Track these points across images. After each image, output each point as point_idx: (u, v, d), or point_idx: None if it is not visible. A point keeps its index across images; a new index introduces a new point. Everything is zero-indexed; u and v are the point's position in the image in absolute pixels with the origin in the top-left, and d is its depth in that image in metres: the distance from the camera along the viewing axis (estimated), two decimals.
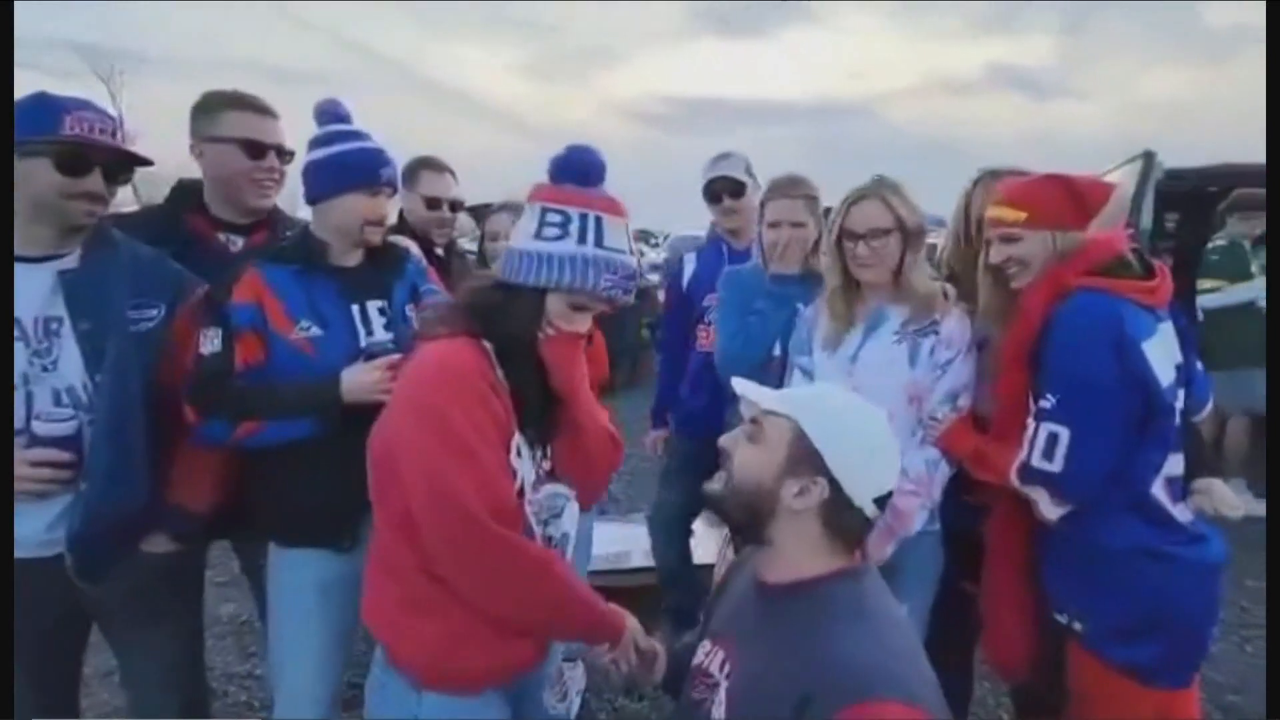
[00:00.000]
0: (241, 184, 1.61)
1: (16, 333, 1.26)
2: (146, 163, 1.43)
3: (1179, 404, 1.41)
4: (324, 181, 1.46)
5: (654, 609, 2.50)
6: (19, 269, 1.27)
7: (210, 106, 1.61)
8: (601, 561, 2.83)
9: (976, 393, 1.57)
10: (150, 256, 1.43)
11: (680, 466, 2.30)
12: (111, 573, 1.33)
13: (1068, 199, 1.41)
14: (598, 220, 1.08)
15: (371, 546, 1.14)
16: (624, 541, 3.08)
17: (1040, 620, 1.47)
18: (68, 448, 1.27)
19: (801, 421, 0.92)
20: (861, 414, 0.97)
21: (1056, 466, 1.33)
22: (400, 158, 2.26)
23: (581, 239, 1.08)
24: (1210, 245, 3.92)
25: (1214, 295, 3.74)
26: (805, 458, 0.91)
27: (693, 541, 2.50)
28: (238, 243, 1.64)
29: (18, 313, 1.26)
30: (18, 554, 1.26)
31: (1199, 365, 1.61)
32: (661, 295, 9.10)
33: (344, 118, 1.49)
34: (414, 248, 1.70)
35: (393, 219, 1.66)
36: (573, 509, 1.16)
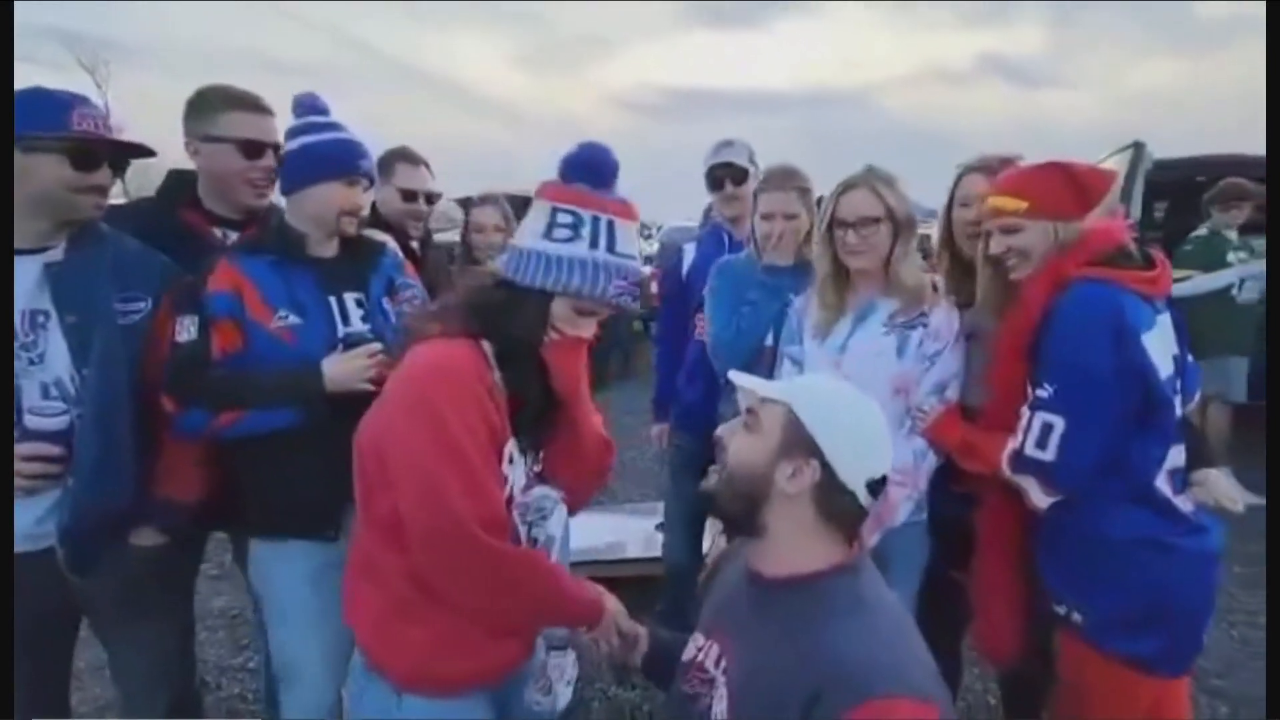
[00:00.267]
0: (238, 183, 1.59)
1: None
2: (150, 154, 1.44)
3: (1178, 395, 1.41)
4: (299, 171, 1.45)
5: (647, 600, 2.51)
6: None
7: (206, 105, 1.59)
8: (596, 552, 2.85)
9: (964, 384, 1.57)
10: (137, 249, 1.43)
11: (684, 463, 2.29)
12: (102, 565, 1.33)
13: (1069, 188, 1.39)
14: (610, 224, 1.06)
15: (352, 548, 1.12)
16: (619, 532, 3.10)
17: (1030, 608, 1.48)
18: (58, 442, 1.27)
19: (794, 405, 0.93)
20: (854, 400, 0.98)
21: (1050, 455, 1.32)
22: (389, 149, 2.24)
23: (594, 243, 1.05)
24: (1189, 236, 3.96)
25: (1184, 284, 3.77)
26: (798, 440, 0.91)
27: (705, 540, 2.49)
28: (233, 238, 1.62)
29: None
30: None
31: (1189, 356, 1.63)
32: (655, 287, 9.09)
33: (322, 110, 1.47)
34: (391, 241, 1.69)
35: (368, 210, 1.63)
36: (561, 512, 1.14)
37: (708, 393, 2.09)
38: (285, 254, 1.42)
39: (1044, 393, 1.33)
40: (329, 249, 1.50)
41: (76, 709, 2.14)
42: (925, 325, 1.55)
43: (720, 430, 1.02)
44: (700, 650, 1.00)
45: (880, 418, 0.97)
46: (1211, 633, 1.43)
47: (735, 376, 1.03)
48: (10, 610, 1.24)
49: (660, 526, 2.83)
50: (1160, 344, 1.36)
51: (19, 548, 1.27)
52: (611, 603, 1.13)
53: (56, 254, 1.31)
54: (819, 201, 1.76)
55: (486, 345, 1.06)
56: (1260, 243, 4.05)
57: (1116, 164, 3.71)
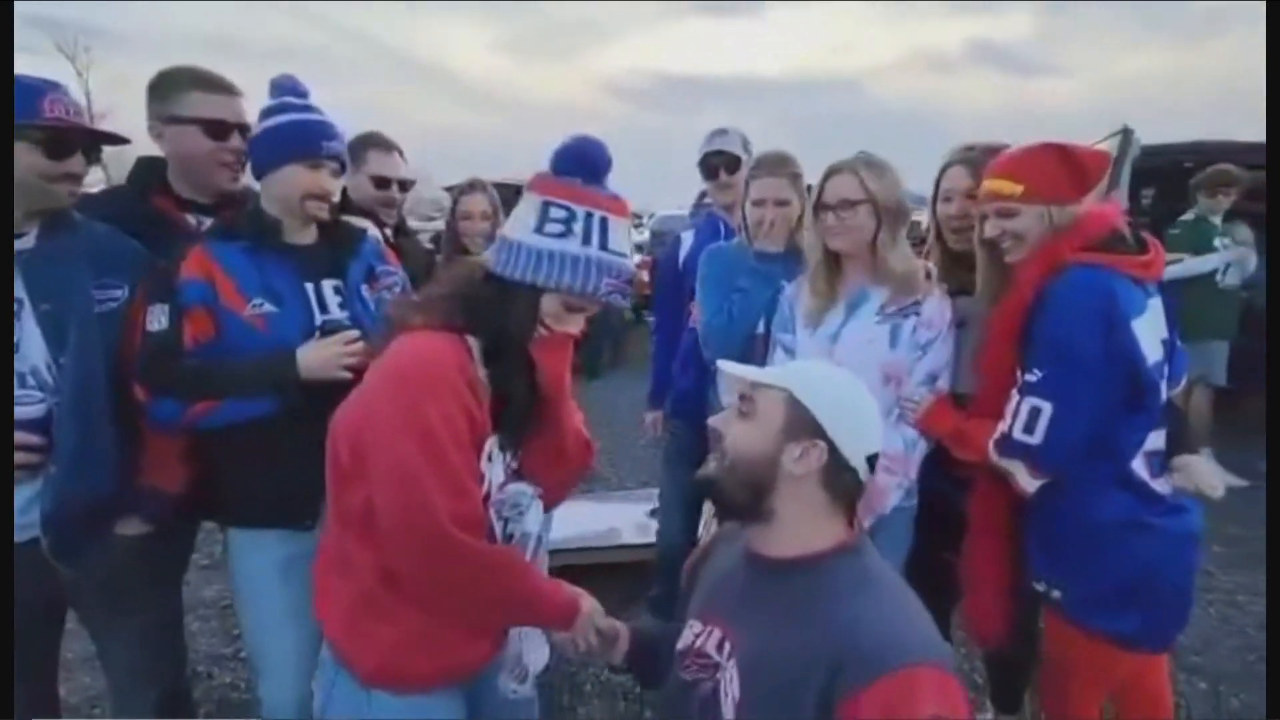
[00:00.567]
0: (206, 166, 1.55)
1: None
2: (123, 141, 1.41)
3: (1164, 380, 1.42)
4: (262, 154, 1.43)
5: (641, 585, 2.53)
6: None
7: (167, 85, 1.54)
8: (590, 539, 2.87)
9: (955, 372, 1.58)
10: (111, 236, 1.41)
11: (679, 449, 2.30)
12: (88, 554, 1.32)
13: (1065, 171, 1.38)
14: (603, 221, 1.04)
15: (323, 540, 1.10)
16: (612, 519, 3.12)
17: (1017, 589, 1.50)
18: (36, 431, 1.26)
19: (794, 389, 0.94)
20: (845, 379, 1.00)
21: (1036, 440, 1.33)
22: (360, 134, 2.20)
23: (586, 239, 1.03)
24: (1177, 220, 3.99)
25: (1174, 267, 3.81)
26: (802, 423, 0.93)
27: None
28: (206, 223, 1.58)
29: None
30: None
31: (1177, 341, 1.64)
32: (646, 276, 9.09)
33: (298, 92, 1.44)
34: (372, 227, 1.67)
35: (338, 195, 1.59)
36: (537, 508, 1.13)
37: (701, 380, 2.09)
38: (260, 240, 1.40)
39: (1033, 377, 1.34)
40: (306, 235, 1.47)
41: (67, 700, 2.14)
42: (918, 314, 1.55)
43: (714, 421, 1.02)
44: (698, 636, 1.00)
45: (867, 393, 1.00)
46: (1190, 611, 1.45)
47: (724, 365, 1.04)
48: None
49: (653, 513, 2.84)
50: (1150, 329, 1.36)
51: None
52: (588, 603, 1.11)
53: (28, 241, 1.28)
54: (810, 188, 1.76)
55: (472, 340, 1.05)
56: (1241, 229, 4.09)
57: (1104, 150, 3.71)
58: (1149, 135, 4.05)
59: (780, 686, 0.85)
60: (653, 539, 2.59)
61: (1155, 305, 1.40)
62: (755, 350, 1.79)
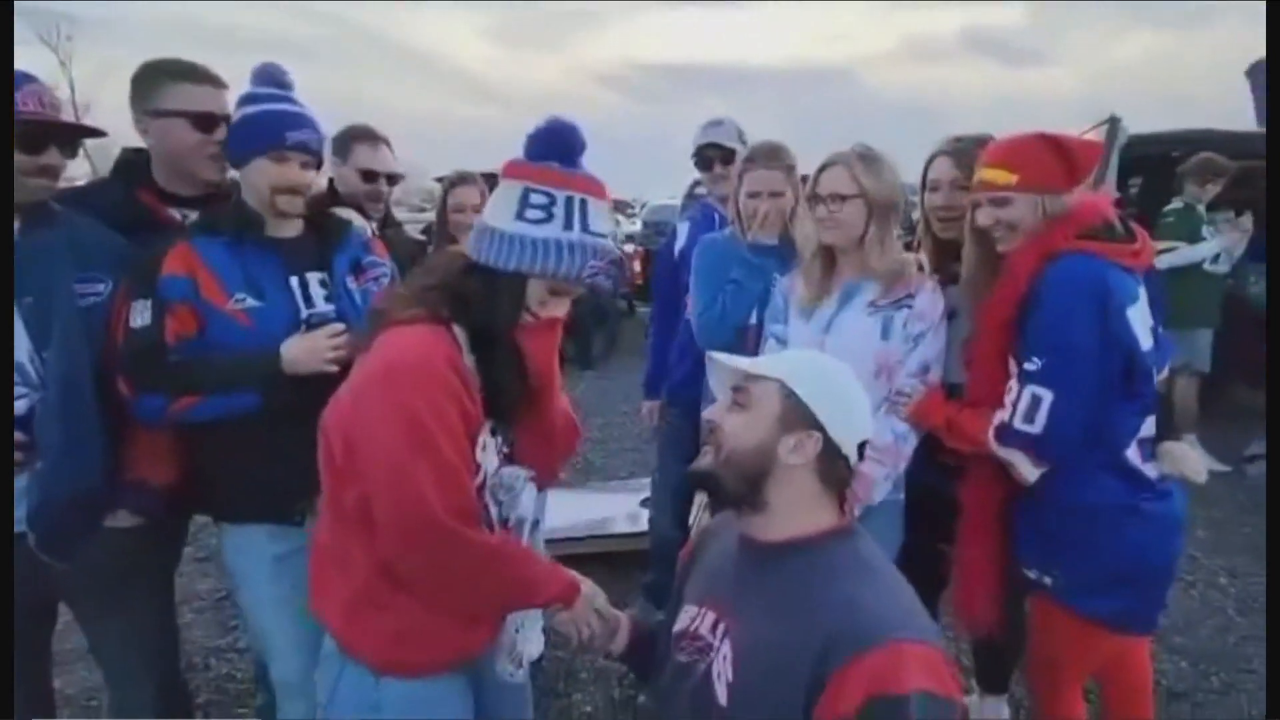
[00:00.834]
0: (192, 159, 1.53)
1: None
2: (100, 134, 1.39)
3: (1155, 368, 1.43)
4: (234, 147, 1.42)
5: (633, 574, 2.56)
6: None
7: (151, 78, 1.52)
8: (583, 528, 2.88)
9: (946, 363, 1.59)
10: (93, 229, 1.39)
11: (673, 438, 2.31)
12: (77, 548, 1.32)
13: (1058, 161, 1.38)
14: (583, 203, 1.04)
15: (318, 536, 1.10)
16: (605, 508, 3.14)
17: (1006, 575, 1.51)
18: (20, 426, 1.25)
19: (788, 380, 0.95)
20: (835, 368, 1.02)
21: (1037, 429, 1.33)
22: (348, 126, 2.19)
23: (568, 223, 1.03)
24: (1166, 209, 4.02)
25: (1167, 256, 3.85)
26: (797, 413, 0.94)
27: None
28: (191, 217, 1.56)
29: None
30: None
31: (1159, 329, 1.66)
32: (637, 266, 9.04)
33: (277, 81, 1.42)
34: (358, 218, 1.66)
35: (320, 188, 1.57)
36: (531, 491, 1.13)
37: (697, 369, 2.11)
38: (242, 234, 1.39)
39: (1032, 366, 1.34)
40: (291, 228, 1.46)
41: (63, 692, 2.15)
42: (910, 306, 1.55)
43: (708, 413, 1.02)
44: (694, 619, 1.01)
45: (857, 381, 1.01)
46: (1172, 592, 1.49)
47: (715, 356, 1.04)
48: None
49: (645, 502, 2.87)
50: (1142, 317, 1.37)
51: None
52: (587, 586, 1.13)
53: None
54: (805, 178, 1.77)
55: (459, 330, 1.04)
56: (1223, 217, 4.13)
57: (1096, 141, 3.74)
58: (1139, 124, 4.08)
59: (773, 668, 0.86)
60: (644, 528, 2.62)
61: (1143, 294, 1.41)
62: (747, 342, 1.80)
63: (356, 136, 2.07)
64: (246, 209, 1.41)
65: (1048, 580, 1.42)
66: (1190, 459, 1.52)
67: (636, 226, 10.57)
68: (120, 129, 1.53)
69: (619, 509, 3.09)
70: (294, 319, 1.40)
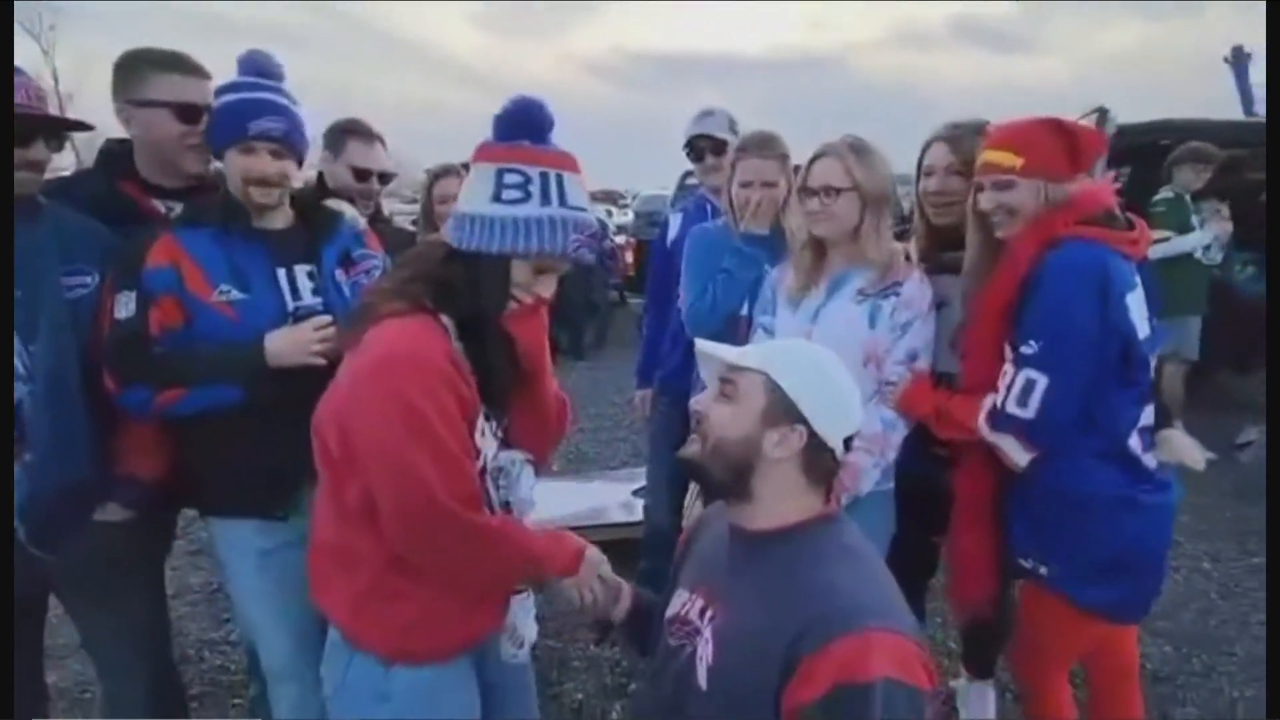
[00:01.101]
0: (176, 150, 1.51)
1: None
2: (87, 127, 1.38)
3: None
4: (210, 138, 1.41)
5: (626, 563, 2.57)
6: None
7: (134, 67, 1.50)
8: (576, 518, 2.89)
9: (935, 352, 1.59)
10: (79, 222, 1.38)
11: (665, 427, 2.31)
12: (67, 542, 1.32)
13: (1064, 148, 1.37)
14: (559, 178, 1.03)
15: (318, 532, 1.10)
16: (598, 498, 3.15)
17: (998, 563, 1.52)
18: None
19: (773, 373, 0.95)
20: (825, 360, 1.01)
21: (1030, 413, 1.33)
22: (356, 115, 2.17)
23: (545, 199, 1.02)
24: (1156, 198, 4.05)
25: (1160, 245, 3.89)
26: (782, 407, 0.94)
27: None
28: (175, 209, 1.55)
29: None
30: None
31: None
32: (629, 257, 9.00)
33: (262, 69, 1.40)
34: (349, 209, 1.64)
35: (298, 180, 1.52)
36: (529, 473, 1.14)
37: (689, 359, 2.11)
38: (228, 226, 1.38)
39: (1029, 350, 1.33)
40: (279, 220, 1.45)
41: (57, 685, 2.15)
42: (898, 294, 1.55)
43: (694, 402, 1.03)
44: (684, 605, 1.03)
45: (847, 372, 1.01)
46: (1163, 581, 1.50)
47: (702, 345, 1.04)
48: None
49: (638, 492, 2.88)
50: (1139, 305, 1.37)
51: None
52: (591, 552, 1.14)
53: None
54: (797, 168, 1.77)
55: (446, 319, 1.04)
56: (1213, 205, 4.17)
57: (1103, 130, 3.75)
58: (1127, 114, 4.09)
59: (750, 652, 0.88)
60: (637, 518, 2.63)
61: (1139, 282, 1.41)
62: (738, 332, 1.80)
63: (350, 132, 2.05)
64: (232, 200, 1.40)
65: (1043, 570, 1.41)
66: (1187, 446, 1.52)
67: (628, 217, 10.53)
68: (106, 120, 1.51)
69: (612, 498, 3.10)
70: (281, 311, 1.39)
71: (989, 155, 1.42)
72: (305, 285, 1.43)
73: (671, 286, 2.30)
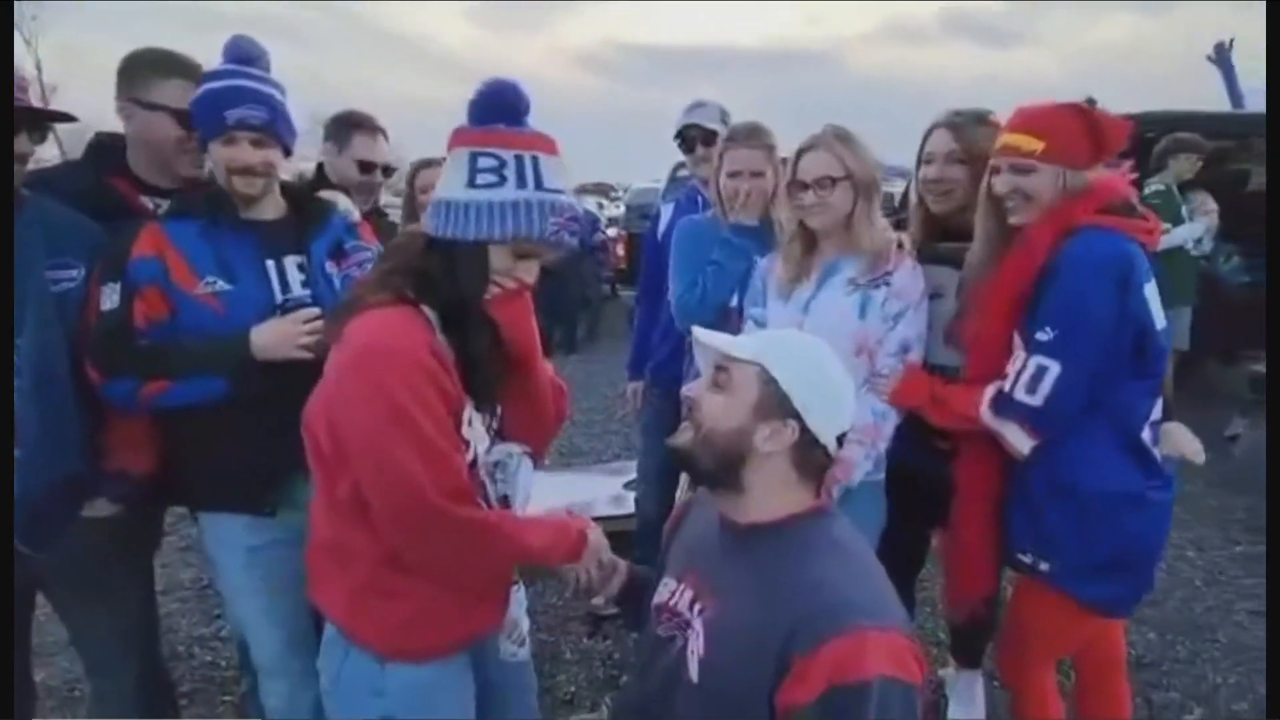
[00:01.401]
0: (172, 153, 1.51)
1: None
2: (70, 119, 1.36)
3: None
4: (198, 131, 1.40)
5: (620, 556, 2.57)
6: None
7: (141, 68, 1.49)
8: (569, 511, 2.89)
9: (928, 344, 1.58)
10: (65, 215, 1.37)
11: (657, 418, 2.31)
12: (56, 538, 1.31)
13: (1087, 135, 1.33)
14: (535, 160, 1.00)
15: (315, 529, 1.09)
16: (588, 491, 3.15)
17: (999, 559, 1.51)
18: None
19: (769, 366, 0.94)
20: (821, 354, 1.00)
21: (1038, 400, 1.31)
22: (346, 108, 2.15)
23: (521, 182, 0.99)
24: (1147, 190, 4.08)
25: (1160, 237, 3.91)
26: (775, 401, 0.93)
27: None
28: (164, 206, 1.53)
29: None
30: None
31: None
32: (620, 249, 8.97)
33: (244, 56, 1.38)
34: (343, 200, 1.63)
35: (287, 170, 1.51)
36: (526, 465, 1.13)
37: (678, 351, 2.11)
38: (216, 217, 1.36)
39: (1044, 336, 1.30)
40: (269, 210, 1.43)
41: (46, 683, 2.14)
42: (889, 285, 1.54)
43: (687, 389, 1.02)
44: (673, 594, 1.02)
45: (843, 368, 1.00)
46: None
47: (698, 333, 1.03)
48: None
49: (629, 485, 2.88)
50: (1155, 295, 1.35)
51: None
52: (595, 536, 1.14)
53: None
54: (784, 161, 1.76)
55: (428, 309, 1.02)
56: (1201, 196, 4.20)
57: (1127, 121, 3.76)
58: (1116, 106, 4.11)
59: (743, 647, 0.87)
60: (629, 510, 2.64)
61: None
62: (728, 324, 1.79)
63: (356, 125, 2.04)
64: (218, 192, 1.39)
65: (1043, 566, 1.39)
66: (1187, 440, 1.52)
67: (620, 210, 10.49)
68: (90, 112, 1.49)
69: (604, 491, 3.11)
70: (269, 303, 1.37)
71: (1009, 138, 1.38)
72: (295, 277, 1.41)
73: (663, 279, 2.29)
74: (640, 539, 2.40)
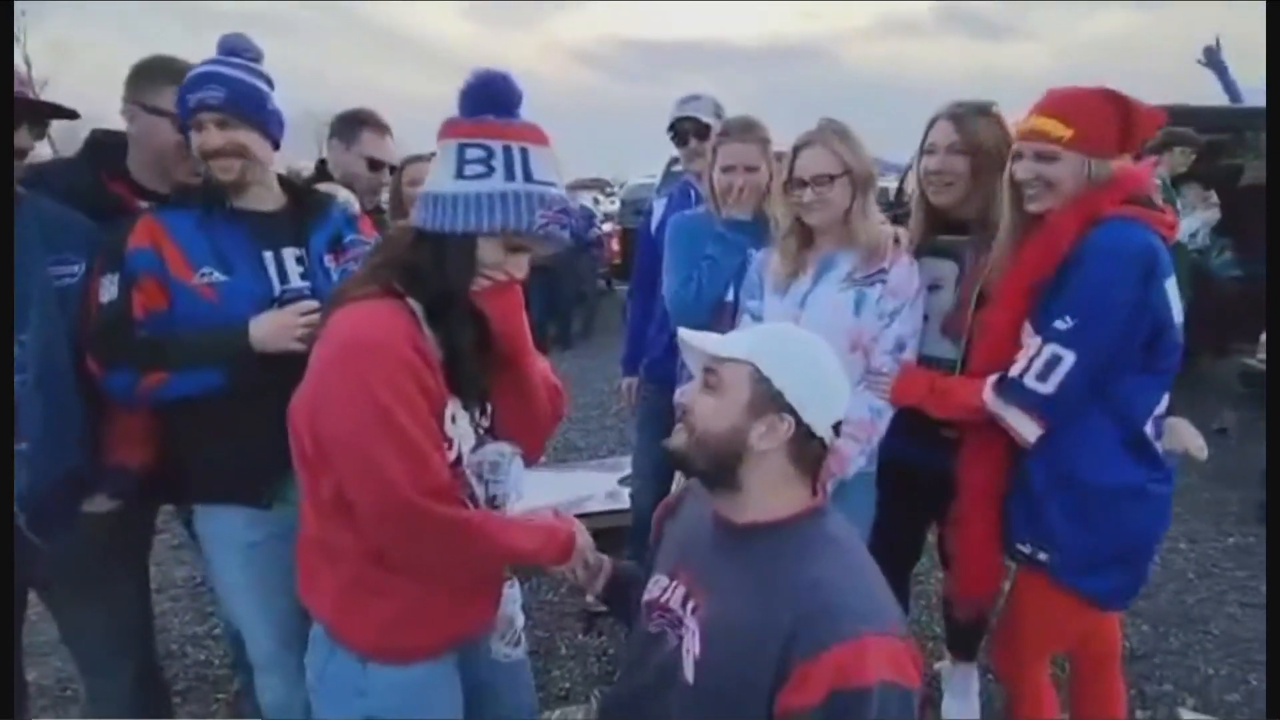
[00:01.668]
0: (172, 159, 1.52)
1: None
2: (73, 115, 1.36)
3: None
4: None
5: (612, 552, 2.57)
6: None
7: (153, 74, 1.50)
8: (562, 507, 2.89)
9: (925, 335, 1.58)
10: (61, 211, 1.37)
11: (651, 413, 2.31)
12: (64, 530, 1.32)
13: (1117, 124, 1.30)
14: (523, 152, 0.98)
15: (303, 526, 1.08)
16: (583, 487, 3.15)
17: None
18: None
19: (758, 364, 0.93)
20: (811, 346, 0.99)
21: (1049, 389, 1.29)
22: (340, 104, 2.15)
23: (509, 174, 0.97)
24: None
25: None
26: (767, 398, 0.93)
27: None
28: None
29: None
30: None
31: None
32: (615, 245, 8.95)
33: (230, 50, 1.37)
34: (343, 193, 1.62)
35: (264, 157, 1.47)
36: (517, 465, 1.11)
37: (672, 346, 2.10)
38: (213, 207, 1.35)
39: (1063, 324, 1.28)
40: (268, 201, 1.42)
41: (39, 682, 2.13)
42: (884, 281, 1.54)
43: (679, 396, 1.02)
44: (665, 591, 1.01)
45: (835, 358, 1.00)
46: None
47: (685, 335, 1.02)
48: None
49: (625, 480, 2.88)
50: (1175, 290, 1.34)
51: None
52: (582, 537, 1.13)
53: None
54: (780, 156, 1.75)
55: (414, 303, 1.01)
56: (1194, 190, 4.21)
57: (1160, 110, 3.77)
58: None
59: (741, 649, 0.87)
60: (624, 506, 2.64)
61: None
62: (724, 318, 1.79)
63: (364, 122, 2.04)
64: (213, 182, 1.38)
65: (1043, 557, 1.39)
66: (1191, 435, 1.51)
67: (615, 205, 10.48)
68: (82, 107, 1.47)
69: (599, 487, 3.11)
70: (266, 295, 1.36)
71: (1036, 121, 1.33)
72: (293, 269, 1.40)
73: (656, 274, 2.28)
74: (635, 535, 2.40)
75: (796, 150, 1.57)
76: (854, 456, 1.51)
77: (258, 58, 1.40)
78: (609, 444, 4.28)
